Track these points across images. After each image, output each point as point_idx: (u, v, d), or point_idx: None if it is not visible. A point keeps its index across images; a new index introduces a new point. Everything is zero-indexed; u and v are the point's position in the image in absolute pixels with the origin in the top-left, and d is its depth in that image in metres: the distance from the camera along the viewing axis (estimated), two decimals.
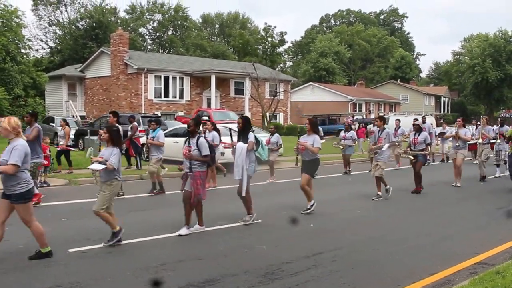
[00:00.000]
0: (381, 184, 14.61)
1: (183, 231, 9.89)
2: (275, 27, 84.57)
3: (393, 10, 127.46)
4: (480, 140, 19.75)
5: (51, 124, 32.26)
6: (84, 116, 43.51)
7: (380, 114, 59.62)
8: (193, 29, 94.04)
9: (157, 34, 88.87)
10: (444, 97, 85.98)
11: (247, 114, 43.97)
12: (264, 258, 8.50)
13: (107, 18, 67.38)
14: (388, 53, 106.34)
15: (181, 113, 41.30)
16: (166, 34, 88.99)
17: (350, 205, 13.83)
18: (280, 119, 50.95)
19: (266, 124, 40.72)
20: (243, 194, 10.82)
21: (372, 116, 60.29)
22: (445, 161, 26.70)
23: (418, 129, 16.54)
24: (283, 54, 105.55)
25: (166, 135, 21.99)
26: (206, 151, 9.94)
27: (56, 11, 75.11)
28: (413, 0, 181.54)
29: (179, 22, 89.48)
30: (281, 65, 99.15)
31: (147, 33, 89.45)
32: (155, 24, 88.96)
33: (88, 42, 63.23)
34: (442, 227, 11.18)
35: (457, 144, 17.37)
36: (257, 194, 14.65)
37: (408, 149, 16.48)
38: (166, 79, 41.69)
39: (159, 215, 12.10)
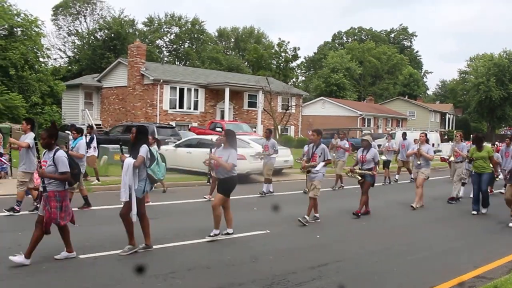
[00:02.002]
0: (313, 207, 12.71)
1: (17, 258, 8.06)
2: (288, 42, 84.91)
3: (403, 28, 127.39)
4: (453, 158, 18.25)
5: (66, 132, 32.42)
6: (100, 124, 43.66)
7: (388, 129, 59.51)
8: (209, 43, 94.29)
9: (174, 46, 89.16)
10: (449, 114, 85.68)
11: (259, 126, 44.08)
12: (271, 268, 8.48)
13: (125, 30, 67.74)
14: (397, 70, 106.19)
15: (195, 124, 41.40)
16: (182, 46, 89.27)
17: (355, 217, 13.64)
18: (291, 132, 50.98)
19: (278, 136, 40.71)
20: (133, 219, 8.89)
21: (380, 131, 60.18)
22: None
23: (366, 145, 14.11)
24: (296, 69, 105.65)
25: (180, 146, 22.17)
26: (63, 168, 8.17)
27: (75, 22, 75.69)
28: (423, 19, 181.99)
29: (195, 35, 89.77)
30: (294, 79, 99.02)
31: (164, 45, 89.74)
32: (172, 37, 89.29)
33: (106, 52, 63.51)
34: (443, 242, 11.10)
35: (419, 162, 15.64)
36: (264, 204, 14.72)
37: (356, 167, 14.37)
38: (181, 91, 41.83)
39: (168, 223, 12.05)
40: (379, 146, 23.92)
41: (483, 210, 14.94)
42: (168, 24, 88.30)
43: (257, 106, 45.28)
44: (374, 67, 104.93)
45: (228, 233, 10.56)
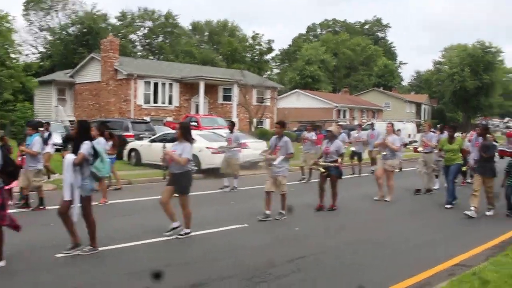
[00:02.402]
0: (271, 202, 12.09)
1: None
2: (263, 35, 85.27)
3: (377, 20, 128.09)
4: (421, 148, 17.54)
5: (39, 129, 31.94)
6: (73, 121, 43.11)
7: (363, 120, 59.85)
8: (183, 36, 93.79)
9: (147, 40, 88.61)
10: (424, 104, 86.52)
11: (235, 120, 43.97)
12: (250, 262, 8.48)
13: (97, 24, 67.08)
14: (371, 62, 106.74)
15: (170, 119, 41.11)
16: (156, 40, 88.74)
17: (339, 207, 13.58)
18: (267, 125, 50.93)
19: (253, 129, 40.68)
20: (74, 218, 8.47)
21: (356, 122, 60.50)
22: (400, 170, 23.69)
23: (331, 136, 13.56)
24: (271, 62, 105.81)
25: (155, 141, 22.03)
26: None
27: (46, 17, 74.74)
28: (397, 11, 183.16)
29: (169, 29, 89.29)
30: (268, 72, 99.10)
31: (138, 39, 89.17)
32: (145, 31, 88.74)
33: (78, 47, 62.76)
34: (418, 234, 11.14)
35: (384, 153, 15.28)
36: (241, 198, 14.70)
37: (320, 160, 13.70)
38: (156, 85, 41.51)
39: (145, 219, 11.92)
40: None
41: (447, 205, 14.27)
42: (141, 18, 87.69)
43: (232, 100, 45.15)
44: (349, 59, 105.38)
45: (187, 233, 9.97)
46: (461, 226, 12.02)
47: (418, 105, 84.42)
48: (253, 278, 7.57)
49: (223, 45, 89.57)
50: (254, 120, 43.67)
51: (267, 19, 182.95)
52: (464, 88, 78.52)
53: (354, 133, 24.23)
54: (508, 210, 12.98)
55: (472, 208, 12.80)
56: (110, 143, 15.04)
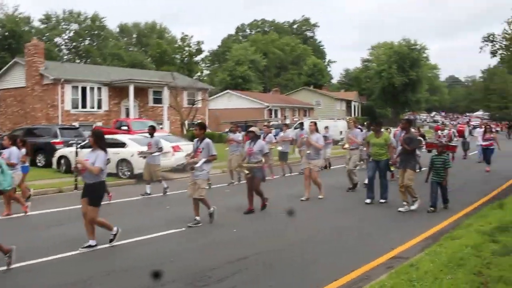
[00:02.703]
0: (199, 206, 11.76)
1: None
2: (192, 36, 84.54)
3: (305, 19, 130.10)
4: (347, 145, 17.41)
5: None
6: None
7: (295, 119, 60.43)
8: (110, 39, 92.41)
9: (74, 44, 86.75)
10: (354, 101, 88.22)
11: (166, 122, 43.57)
12: (191, 266, 8.38)
13: (20, 28, 65.13)
14: (301, 61, 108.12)
15: (99, 124, 40.24)
16: (83, 44, 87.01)
17: (272, 208, 13.52)
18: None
19: (185, 132, 40.37)
20: None
21: (288, 121, 61.01)
22: (328, 167, 24.14)
23: (253, 137, 13.22)
24: (200, 63, 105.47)
25: (85, 147, 21.48)
26: None
27: None
28: (324, 10, 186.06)
29: (96, 32, 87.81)
30: (199, 73, 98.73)
31: (63, 43, 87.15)
32: (71, 34, 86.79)
33: (0, 52, 60.79)
34: (358, 228, 11.35)
35: (308, 152, 15.02)
36: (175, 202, 14.51)
37: (244, 161, 13.51)
38: (84, 90, 40.52)
39: (74, 229, 11.59)
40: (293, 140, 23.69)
41: (381, 200, 14.34)
42: (66, 21, 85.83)
43: (163, 102, 44.67)
44: (279, 58, 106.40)
45: (90, 246, 9.46)
46: (393, 221, 12.22)
47: (348, 102, 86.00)
48: (195, 282, 7.49)
49: (152, 47, 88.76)
50: (186, 122, 43.34)
51: (196, 20, 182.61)
52: (392, 85, 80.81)
53: (280, 133, 23.80)
54: (430, 206, 13.03)
55: (404, 203, 13.14)
56: (23, 150, 14.59)
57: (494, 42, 15.88)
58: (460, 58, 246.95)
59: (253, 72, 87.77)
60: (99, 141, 9.49)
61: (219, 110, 59.77)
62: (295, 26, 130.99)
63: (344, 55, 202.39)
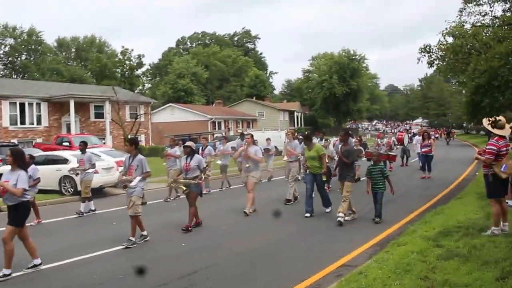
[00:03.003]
0: (137, 226, 11.40)
1: None
2: (132, 50, 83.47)
3: (246, 32, 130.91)
4: (286, 157, 17.07)
5: None
6: None
7: (239, 131, 60.60)
8: (48, 53, 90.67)
9: (10, 58, 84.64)
10: (297, 112, 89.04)
11: (108, 137, 43.04)
12: (140, 282, 8.28)
13: None
14: (243, 73, 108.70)
15: (39, 140, 39.45)
16: (19, 58, 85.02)
17: (216, 222, 13.50)
18: (142, 141, 50.26)
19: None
20: None
21: (231, 133, 61.08)
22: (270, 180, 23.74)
23: (190, 152, 12.76)
24: (142, 77, 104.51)
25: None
26: None
27: None
28: (265, 22, 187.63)
29: (33, 46, 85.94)
30: (140, 87, 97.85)
31: None
32: (7, 49, 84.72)
33: None
34: (302, 239, 11.39)
35: (247, 165, 14.67)
36: (121, 218, 14.31)
37: (180, 177, 12.85)
38: (22, 106, 39.57)
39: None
40: (233, 148, 23.40)
41: (327, 210, 14.35)
42: (1, 35, 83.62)
43: (105, 117, 44.12)
44: (220, 71, 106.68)
45: (35, 265, 9.16)
46: (339, 230, 12.26)
47: (291, 113, 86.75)
48: None
49: (91, 61, 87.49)
50: (129, 136, 42.90)
51: (136, 34, 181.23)
52: (333, 95, 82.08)
53: (219, 146, 22.83)
54: (376, 216, 12.94)
55: (350, 212, 13.30)
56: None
57: (431, 53, 16.31)
58: (398, 67, 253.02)
59: (195, 85, 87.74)
60: (18, 160, 9.07)
61: (162, 123, 59.37)
62: (236, 38, 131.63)
63: (285, 66, 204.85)
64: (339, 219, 12.64)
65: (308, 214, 13.92)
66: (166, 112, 65.11)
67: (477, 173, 22.83)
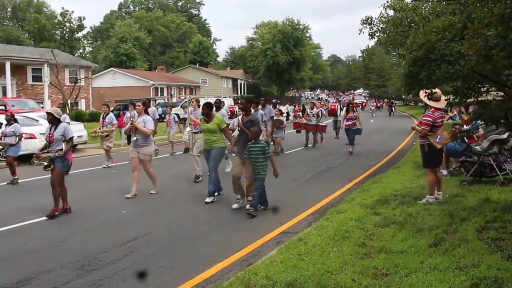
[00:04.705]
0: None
1: None
2: (72, 12, 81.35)
3: None
4: (189, 128, 14.98)
5: None
6: None
7: (182, 97, 60.25)
8: None
9: None
10: (240, 79, 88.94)
11: (47, 101, 42.02)
12: (79, 250, 8.17)
13: None
14: (186, 39, 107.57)
15: None
16: None
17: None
18: (82, 106, 49.37)
19: (68, 112, 39.17)
20: None
21: (174, 100, 60.61)
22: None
23: (52, 120, 10.70)
24: (82, 40, 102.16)
25: None
26: None
27: None
28: None
29: None
30: (81, 50, 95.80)
31: None
32: None
33: None
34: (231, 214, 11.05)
35: (135, 138, 12.39)
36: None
37: (41, 152, 10.72)
38: None
39: None
40: (177, 116, 22.69)
41: (207, 199, 11.73)
42: None
43: (43, 81, 43.00)
44: (164, 36, 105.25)
45: None
46: (280, 198, 12.36)
47: (235, 81, 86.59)
48: (84, 266, 7.33)
49: (29, 22, 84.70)
50: (69, 101, 42.06)
51: None
52: (277, 63, 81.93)
53: (127, 114, 19.56)
54: (250, 206, 10.49)
55: (250, 197, 11.03)
56: None
57: (372, 25, 16.62)
58: (340, 39, 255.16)
59: (137, 50, 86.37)
60: None
61: (103, 88, 58.36)
62: (180, 4, 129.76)
63: (229, 33, 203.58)
64: (234, 205, 11.11)
65: (209, 200, 11.70)
66: (107, 77, 63.90)
67: (414, 143, 23.44)
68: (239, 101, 18.90)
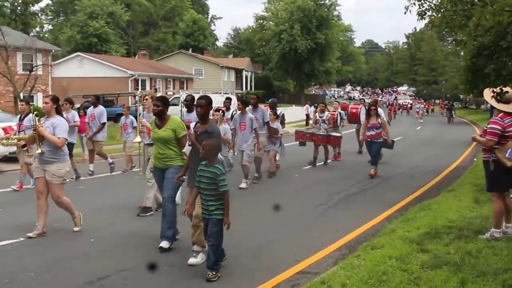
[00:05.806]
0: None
1: None
2: None
3: None
4: (139, 139, 14.59)
5: None
6: None
7: (169, 92, 60.36)
8: None
9: None
10: (246, 71, 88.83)
11: None
12: None
13: None
14: (176, 16, 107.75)
15: None
16: None
17: (122, 216, 13.08)
18: (39, 100, 49.52)
19: (20, 108, 39.34)
20: None
21: (159, 95, 60.69)
22: None
23: None
24: (40, 15, 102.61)
25: None
26: None
27: None
28: None
29: None
30: (38, 29, 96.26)
31: None
32: None
33: None
34: (260, 235, 11.42)
35: (39, 151, 11.07)
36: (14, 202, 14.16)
37: None
38: None
39: None
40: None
41: (163, 244, 10.10)
42: None
43: None
44: (146, 12, 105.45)
45: None
46: (290, 228, 12.47)
47: (239, 72, 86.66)
48: None
49: None
50: (21, 94, 42.24)
51: None
52: (294, 50, 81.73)
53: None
54: (208, 268, 8.71)
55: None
56: None
57: (423, 1, 16.31)
58: (380, 19, 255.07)
59: (112, 29, 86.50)
60: None
61: (67, 78, 58.43)
62: None
63: (232, 10, 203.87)
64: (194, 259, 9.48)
65: (165, 245, 10.24)
66: (72, 64, 64.01)
67: (475, 159, 23.34)
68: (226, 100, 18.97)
